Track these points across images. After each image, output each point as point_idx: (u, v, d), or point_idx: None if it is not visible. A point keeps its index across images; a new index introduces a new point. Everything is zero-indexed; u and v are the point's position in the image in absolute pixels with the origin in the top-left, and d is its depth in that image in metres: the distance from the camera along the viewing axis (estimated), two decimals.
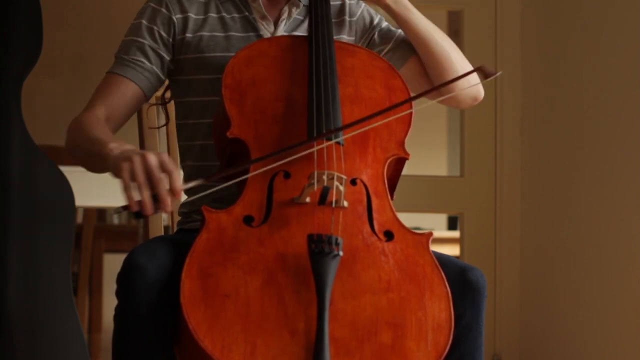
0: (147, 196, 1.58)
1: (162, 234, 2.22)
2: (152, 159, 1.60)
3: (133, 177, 1.59)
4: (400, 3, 1.99)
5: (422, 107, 2.00)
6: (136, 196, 1.58)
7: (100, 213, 5.42)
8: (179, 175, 1.64)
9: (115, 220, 5.62)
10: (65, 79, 5.71)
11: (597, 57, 3.29)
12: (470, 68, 2.01)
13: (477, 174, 3.64)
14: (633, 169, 3.08)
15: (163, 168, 1.60)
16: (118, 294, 1.67)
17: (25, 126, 2.59)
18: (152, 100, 2.13)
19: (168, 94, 2.12)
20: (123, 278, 1.66)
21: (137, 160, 1.60)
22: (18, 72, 2.59)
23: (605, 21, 3.25)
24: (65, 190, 2.61)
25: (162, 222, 2.21)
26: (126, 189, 1.59)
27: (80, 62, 5.70)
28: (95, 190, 3.52)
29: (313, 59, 1.84)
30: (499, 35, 3.64)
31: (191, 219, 1.96)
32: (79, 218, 4.70)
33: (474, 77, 1.97)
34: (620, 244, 3.14)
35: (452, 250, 4.47)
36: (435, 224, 5.92)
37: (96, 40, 5.61)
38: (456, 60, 2.00)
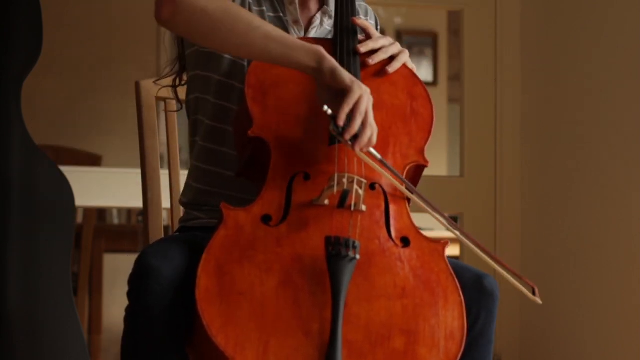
0: (358, 124, 1.66)
1: (162, 234, 2.22)
2: (372, 107, 1.69)
3: (356, 105, 1.67)
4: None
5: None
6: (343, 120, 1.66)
7: (100, 213, 5.42)
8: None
9: (115, 220, 5.62)
10: (65, 79, 5.72)
11: (597, 57, 3.29)
12: None
13: (477, 174, 3.64)
14: (633, 168, 3.08)
15: (374, 121, 1.69)
16: (130, 295, 1.67)
17: (25, 126, 2.59)
18: (167, 82, 2.10)
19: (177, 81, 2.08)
20: (135, 280, 1.65)
21: (367, 95, 1.69)
22: (18, 72, 2.59)
23: (605, 21, 3.25)
24: (65, 190, 2.61)
25: (162, 221, 2.21)
26: (346, 108, 1.65)
27: (80, 62, 5.71)
28: (95, 190, 3.52)
29: (337, 62, 1.84)
30: (499, 35, 3.64)
31: (192, 216, 1.96)
32: (79, 218, 4.71)
33: None
34: (620, 244, 3.14)
35: (452, 250, 4.47)
36: (435, 224, 5.92)
37: (96, 40, 5.62)
38: None
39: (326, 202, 1.69)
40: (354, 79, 1.68)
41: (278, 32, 1.74)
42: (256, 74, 1.81)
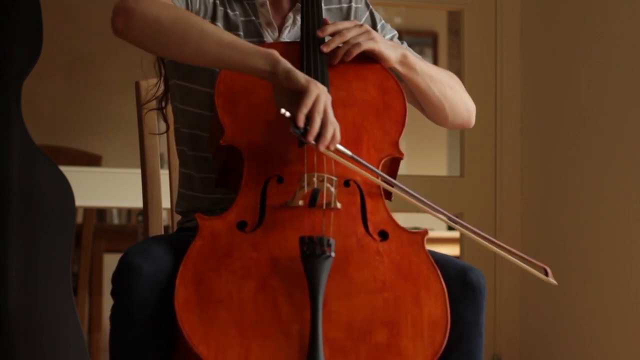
0: (318, 124, 1.65)
1: (162, 233, 2.22)
2: (330, 105, 1.68)
3: (314, 104, 1.66)
4: (407, 65, 1.94)
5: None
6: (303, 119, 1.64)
7: (100, 213, 5.42)
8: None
9: (115, 220, 5.62)
10: (65, 79, 5.72)
11: (596, 57, 3.29)
12: (470, 103, 2.07)
13: (477, 174, 3.64)
14: (633, 168, 3.08)
15: (335, 118, 1.68)
16: (113, 293, 1.68)
17: (25, 126, 2.59)
18: (151, 105, 2.13)
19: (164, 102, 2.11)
20: (118, 278, 1.66)
21: (324, 94, 1.67)
22: (18, 72, 2.59)
23: (605, 21, 3.25)
24: (65, 190, 2.61)
25: (162, 221, 2.21)
26: (304, 109, 1.64)
27: (80, 62, 5.71)
28: (95, 190, 3.52)
29: (304, 64, 1.83)
30: (499, 35, 3.63)
31: (189, 218, 1.97)
32: (79, 218, 4.70)
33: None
34: (621, 244, 3.14)
35: (452, 250, 4.47)
36: (435, 224, 5.92)
37: (96, 40, 5.61)
38: (450, 108, 2.02)
39: (300, 203, 1.69)
40: (309, 78, 1.67)
41: (231, 37, 1.74)
42: (225, 82, 1.81)
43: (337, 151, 1.71)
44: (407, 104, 1.89)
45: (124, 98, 5.26)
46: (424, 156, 6.49)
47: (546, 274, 1.79)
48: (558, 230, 3.42)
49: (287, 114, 1.64)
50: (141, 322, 1.63)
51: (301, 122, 1.63)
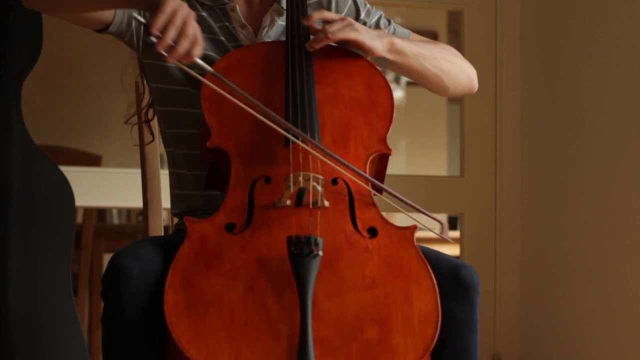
0: (172, 35, 1.63)
1: (162, 233, 2.22)
2: (194, 22, 1.66)
3: (172, 15, 1.63)
4: (397, 52, 1.92)
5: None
6: (160, 28, 1.62)
7: (100, 213, 5.42)
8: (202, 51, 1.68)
9: (115, 220, 5.62)
10: (65, 79, 5.71)
11: (597, 57, 3.29)
12: (470, 69, 2.05)
13: (477, 174, 3.64)
14: (633, 168, 3.08)
15: (195, 33, 1.65)
16: (103, 296, 1.68)
17: (25, 126, 2.59)
18: (135, 118, 2.13)
19: (150, 114, 2.11)
20: (107, 280, 1.67)
21: (185, 7, 1.65)
22: (18, 72, 2.60)
23: (605, 21, 3.25)
24: (65, 190, 2.61)
25: (162, 221, 2.21)
26: (159, 16, 1.62)
27: (80, 62, 5.70)
28: (95, 190, 3.52)
29: (289, 63, 1.84)
30: (499, 35, 3.63)
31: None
32: (79, 218, 4.70)
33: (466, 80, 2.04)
34: (621, 244, 3.14)
35: (452, 251, 4.47)
36: (435, 224, 5.94)
37: (96, 40, 5.60)
38: (449, 80, 2.01)
39: (288, 202, 1.70)
40: None
41: None
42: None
43: (315, 147, 1.70)
44: (396, 102, 1.89)
45: (123, 98, 5.25)
46: (424, 156, 6.49)
47: (441, 230, 1.79)
48: (558, 230, 3.42)
49: (142, 19, 1.64)
50: (132, 323, 1.64)
51: (155, 28, 1.61)
